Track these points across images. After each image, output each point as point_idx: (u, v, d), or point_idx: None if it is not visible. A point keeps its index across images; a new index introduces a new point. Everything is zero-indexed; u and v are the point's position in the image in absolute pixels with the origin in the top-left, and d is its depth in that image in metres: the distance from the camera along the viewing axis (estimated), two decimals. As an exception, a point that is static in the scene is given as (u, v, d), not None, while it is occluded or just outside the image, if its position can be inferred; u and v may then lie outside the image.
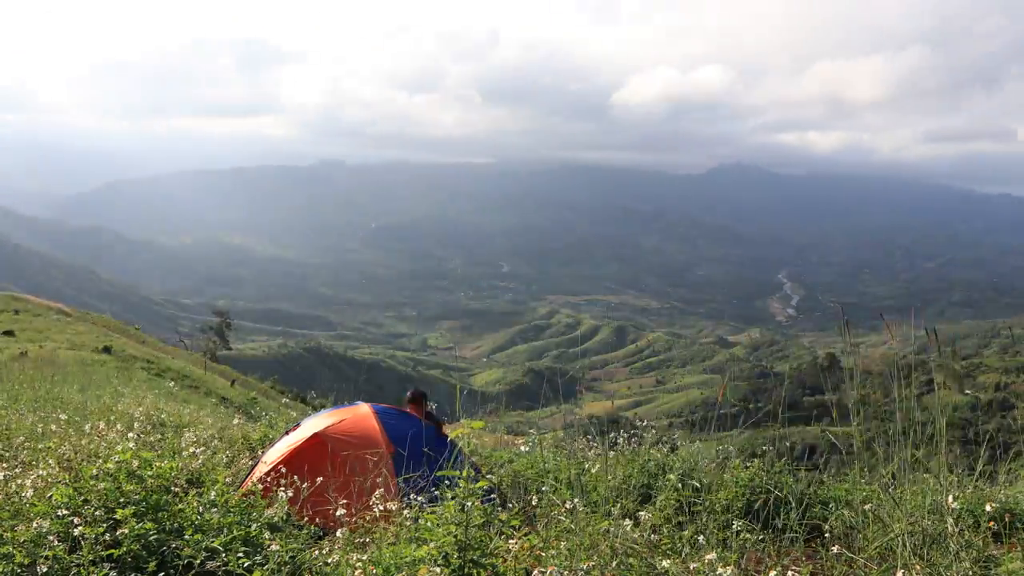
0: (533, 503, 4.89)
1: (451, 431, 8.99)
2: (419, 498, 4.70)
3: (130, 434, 5.87)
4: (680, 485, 5.10)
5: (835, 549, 3.74)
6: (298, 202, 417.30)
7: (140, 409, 9.44)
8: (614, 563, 3.63)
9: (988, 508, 4.27)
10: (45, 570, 3.38)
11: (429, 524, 4.00)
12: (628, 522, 3.94)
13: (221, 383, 37.96)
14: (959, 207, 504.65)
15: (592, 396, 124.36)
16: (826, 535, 4.51)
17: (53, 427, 6.92)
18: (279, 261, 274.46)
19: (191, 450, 5.57)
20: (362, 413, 6.74)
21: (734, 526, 4.15)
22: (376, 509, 4.47)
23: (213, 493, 4.39)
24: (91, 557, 3.51)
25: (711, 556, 3.24)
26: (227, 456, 7.37)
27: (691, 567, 3.34)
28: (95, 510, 3.87)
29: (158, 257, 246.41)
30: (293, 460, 6.53)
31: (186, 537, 3.81)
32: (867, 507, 4.43)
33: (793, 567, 3.65)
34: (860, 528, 4.39)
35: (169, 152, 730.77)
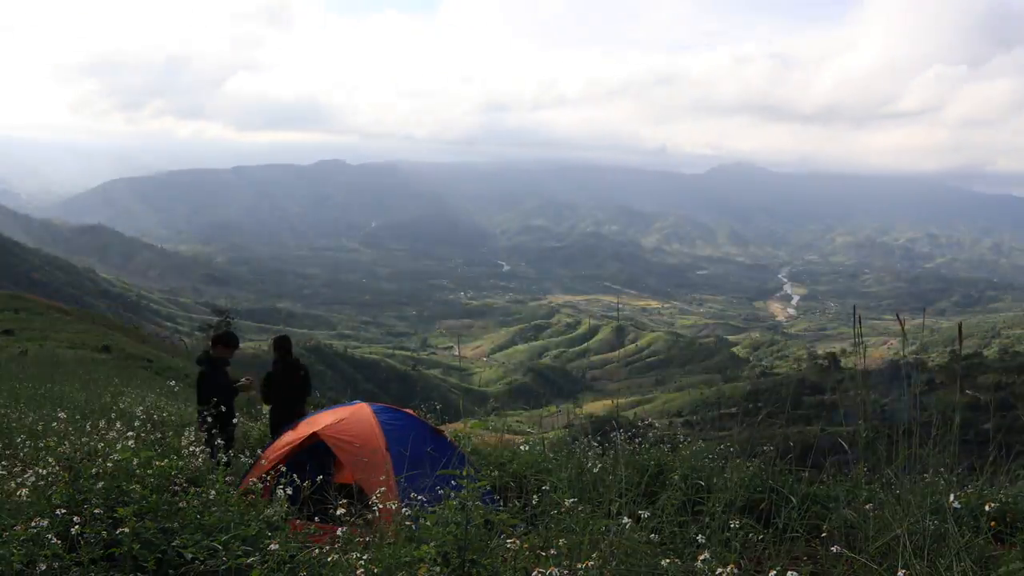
0: (533, 503, 4.88)
1: (451, 430, 8.97)
2: (420, 497, 4.70)
3: (130, 433, 5.86)
4: (683, 484, 5.09)
5: (835, 548, 3.73)
6: (298, 201, 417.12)
7: (140, 408, 9.43)
8: (614, 563, 3.63)
9: (987, 508, 4.27)
10: (44, 568, 3.37)
11: (429, 524, 4.00)
12: (628, 521, 3.94)
13: (221, 382, 37.83)
14: (959, 207, 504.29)
15: (592, 396, 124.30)
16: (826, 534, 4.50)
17: (54, 425, 6.92)
18: (279, 260, 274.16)
19: (191, 449, 5.56)
20: (361, 412, 6.73)
21: (733, 525, 4.15)
22: (375, 508, 4.46)
23: (213, 492, 4.39)
24: (90, 556, 3.51)
25: (705, 555, 3.23)
26: (227, 455, 7.36)
27: (692, 566, 3.33)
28: (95, 509, 3.86)
29: (158, 256, 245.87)
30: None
31: (186, 536, 3.81)
32: (868, 507, 4.43)
33: (794, 566, 3.65)
34: (861, 527, 4.39)
35: (170, 151, 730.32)
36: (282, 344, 9.16)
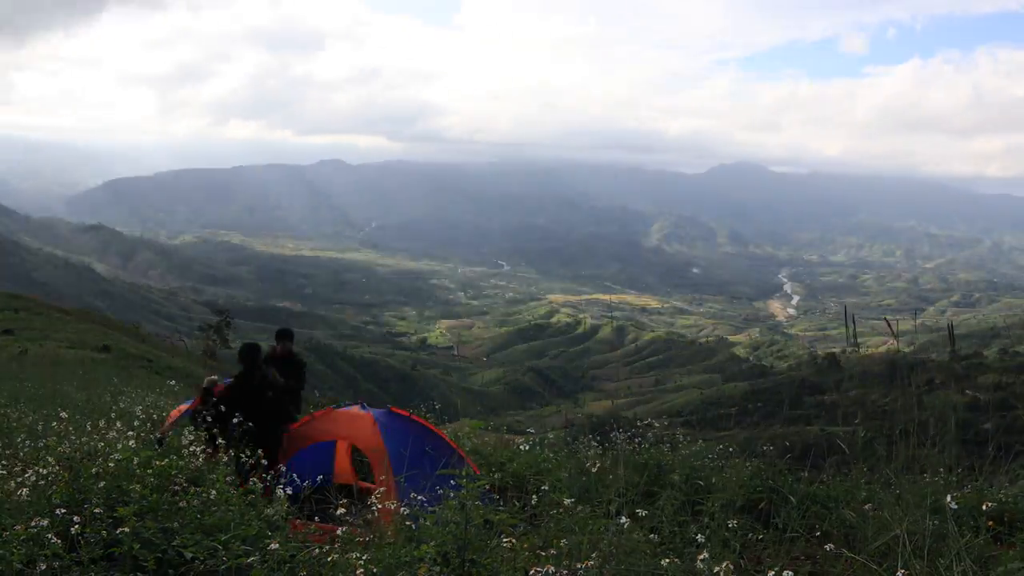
0: (533, 502, 4.88)
1: (451, 430, 8.97)
2: (420, 497, 4.70)
3: (130, 433, 5.86)
4: (683, 484, 5.10)
5: (836, 548, 3.73)
6: (298, 201, 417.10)
7: (141, 408, 9.43)
8: (613, 562, 3.63)
9: (985, 507, 4.27)
10: (44, 568, 3.37)
11: (429, 524, 4.00)
12: (628, 521, 3.94)
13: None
14: (959, 207, 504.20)
15: (592, 396, 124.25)
16: (826, 534, 4.50)
17: (54, 424, 6.92)
18: (279, 260, 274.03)
19: (191, 448, 5.56)
20: (359, 414, 6.73)
21: (731, 524, 4.15)
22: (375, 508, 4.46)
23: (213, 492, 4.38)
24: (90, 555, 3.51)
25: (704, 555, 3.23)
26: (228, 455, 7.35)
27: (692, 566, 3.33)
28: (95, 508, 3.86)
29: (158, 255, 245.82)
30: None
31: (186, 536, 3.81)
32: (867, 507, 4.43)
33: (793, 566, 3.65)
34: (860, 527, 4.39)
35: (170, 150, 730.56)
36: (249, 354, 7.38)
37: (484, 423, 10.19)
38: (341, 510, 4.24)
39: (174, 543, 3.76)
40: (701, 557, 3.18)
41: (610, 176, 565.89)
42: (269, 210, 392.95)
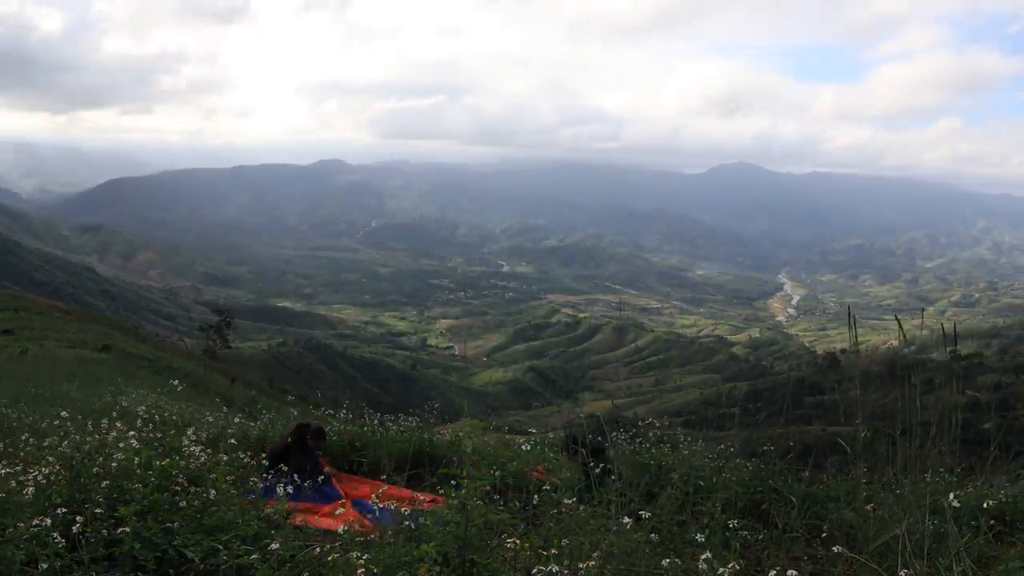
0: (534, 502, 4.89)
1: (451, 430, 8.97)
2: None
3: (131, 432, 5.86)
4: (682, 484, 5.09)
5: (836, 549, 3.73)
6: (298, 201, 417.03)
7: (142, 407, 9.43)
8: (614, 562, 3.63)
9: (986, 505, 4.27)
10: (46, 567, 3.37)
11: (429, 523, 4.00)
12: (631, 521, 3.94)
13: (221, 381, 37.94)
14: (959, 207, 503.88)
15: (592, 396, 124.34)
16: (826, 534, 4.50)
17: (56, 423, 6.92)
18: (279, 260, 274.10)
19: (192, 449, 5.56)
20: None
21: (731, 524, 4.15)
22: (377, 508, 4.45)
23: (214, 492, 4.39)
24: (91, 555, 3.51)
25: (707, 555, 3.23)
26: (228, 455, 7.36)
27: (692, 566, 3.33)
28: (96, 508, 3.86)
29: (158, 256, 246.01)
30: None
31: (186, 535, 3.81)
32: (868, 507, 4.43)
33: (794, 566, 3.65)
34: (861, 527, 4.39)
35: (170, 150, 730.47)
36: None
37: (485, 423, 10.20)
38: (340, 510, 4.24)
39: (174, 543, 3.76)
40: (704, 557, 3.18)
41: (610, 176, 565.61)
42: (269, 210, 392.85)
